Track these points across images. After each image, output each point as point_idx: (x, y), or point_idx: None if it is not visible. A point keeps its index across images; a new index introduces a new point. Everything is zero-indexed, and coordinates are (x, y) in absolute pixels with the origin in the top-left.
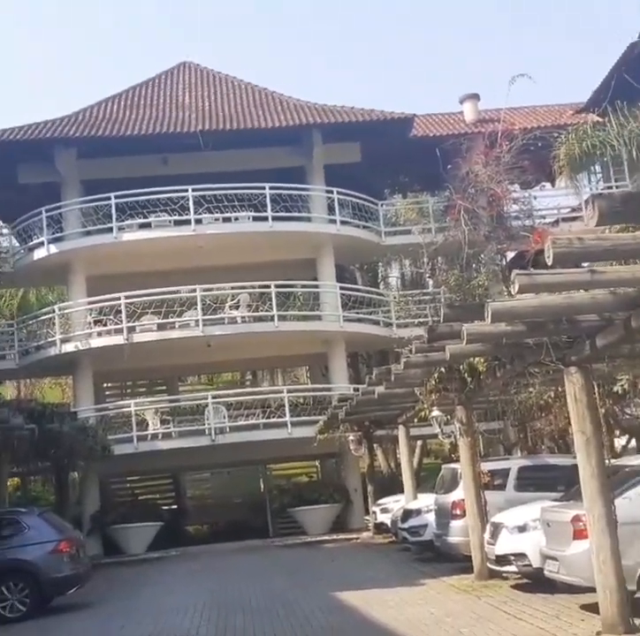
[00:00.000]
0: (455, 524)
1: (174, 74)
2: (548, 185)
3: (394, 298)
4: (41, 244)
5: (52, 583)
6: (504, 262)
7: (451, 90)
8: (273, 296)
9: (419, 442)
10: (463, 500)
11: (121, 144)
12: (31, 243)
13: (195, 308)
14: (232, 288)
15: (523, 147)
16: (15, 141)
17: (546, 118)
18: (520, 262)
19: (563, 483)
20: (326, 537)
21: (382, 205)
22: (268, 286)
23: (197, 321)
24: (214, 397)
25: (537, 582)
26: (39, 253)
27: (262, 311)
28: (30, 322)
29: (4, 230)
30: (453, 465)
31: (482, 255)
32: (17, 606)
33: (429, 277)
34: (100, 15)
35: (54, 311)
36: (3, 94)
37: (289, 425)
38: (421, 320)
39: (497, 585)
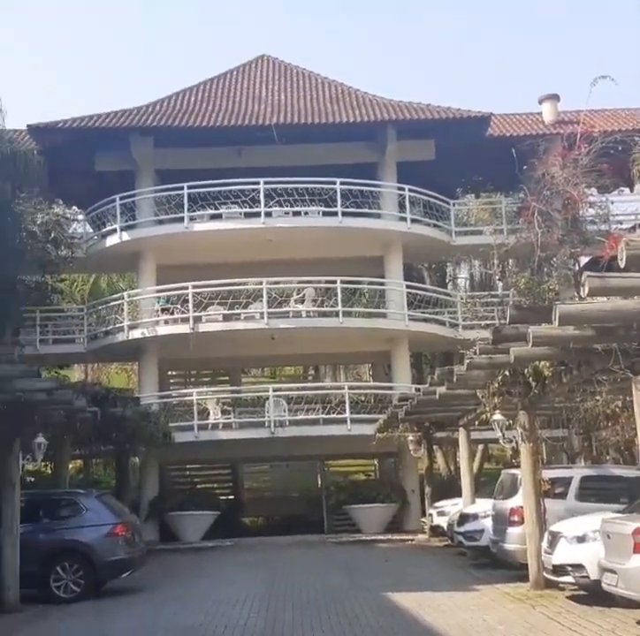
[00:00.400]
0: (513, 531)
1: (252, 67)
2: (626, 189)
3: (461, 298)
4: (114, 231)
5: (107, 566)
6: (577, 267)
7: (530, 91)
8: (339, 291)
9: (480, 447)
10: (522, 507)
11: (196, 135)
12: (104, 230)
13: (261, 301)
14: (299, 282)
15: (602, 150)
16: (93, 129)
17: (628, 122)
18: (594, 268)
19: (626, 495)
20: (381, 537)
21: (454, 204)
22: (334, 281)
23: (262, 313)
24: (275, 390)
25: (593, 594)
26: (111, 240)
27: (327, 306)
28: (99, 308)
29: (79, 217)
30: (513, 471)
31: (554, 259)
32: (71, 587)
33: (498, 279)
34: (183, 9)
35: (123, 297)
36: (84, 83)
37: (349, 421)
38: (488, 322)
39: (552, 595)
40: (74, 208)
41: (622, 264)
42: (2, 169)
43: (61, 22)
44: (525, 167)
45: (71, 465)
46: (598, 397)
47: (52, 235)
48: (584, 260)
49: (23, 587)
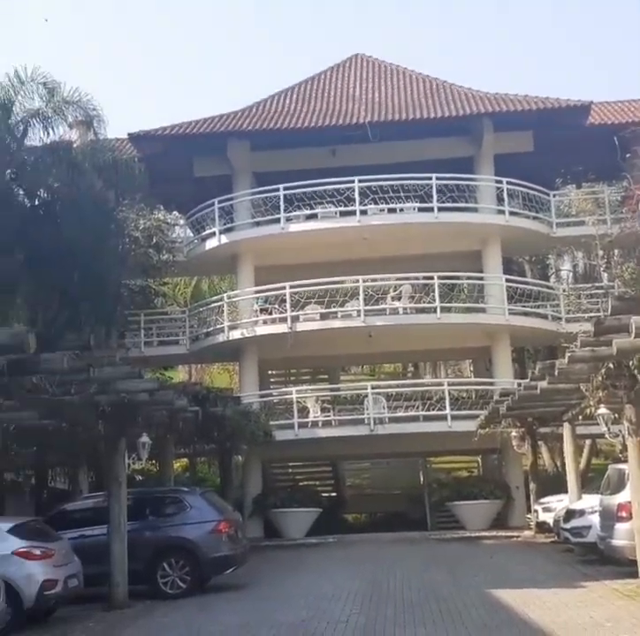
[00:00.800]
0: (620, 526)
1: (346, 67)
2: None
3: (564, 291)
4: (213, 234)
5: (211, 562)
6: None
7: (632, 77)
8: (436, 287)
9: (587, 442)
10: (629, 502)
11: (291, 136)
12: (203, 233)
13: (357, 299)
14: (396, 279)
15: None
16: (191, 135)
17: None
18: None
19: None
20: (485, 533)
21: (554, 195)
22: (431, 277)
23: (359, 311)
24: (373, 388)
25: None
26: (210, 243)
27: (424, 302)
28: (201, 310)
29: (180, 221)
30: (620, 466)
31: None
32: (177, 583)
33: (603, 270)
34: (278, 11)
35: (223, 299)
36: (182, 90)
37: (449, 418)
38: (592, 314)
39: None
40: (175, 213)
41: None
42: (105, 177)
43: (167, 27)
44: (628, 155)
45: (177, 464)
46: None
47: (154, 240)
48: None
49: (131, 584)
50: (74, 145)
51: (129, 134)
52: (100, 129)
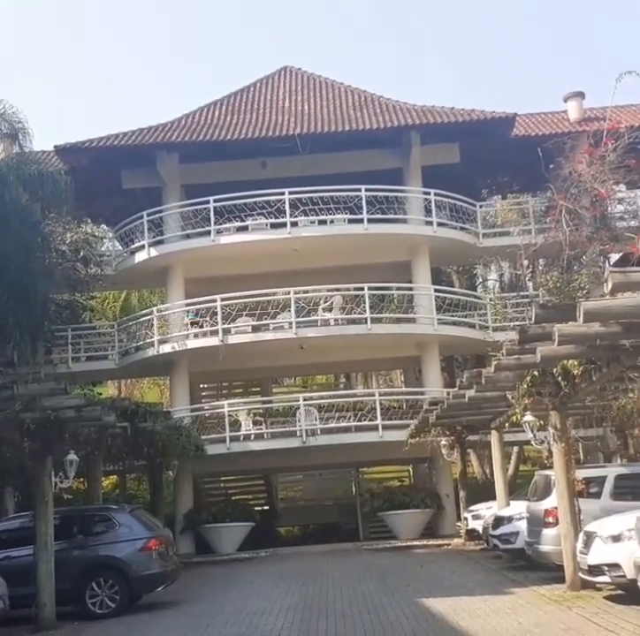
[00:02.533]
0: (547, 532)
1: (275, 79)
2: None
3: (491, 300)
4: (142, 247)
5: (141, 580)
6: (607, 264)
7: (555, 90)
8: (366, 298)
9: (515, 449)
10: (556, 508)
11: (221, 148)
12: (132, 246)
13: (289, 310)
14: (327, 290)
15: (630, 145)
16: (119, 147)
17: None
18: (624, 265)
19: None
20: (417, 542)
21: (480, 206)
22: (362, 288)
23: (291, 323)
24: (306, 400)
25: (631, 594)
26: (140, 257)
27: (355, 313)
28: (130, 324)
29: (108, 235)
30: (546, 472)
31: (584, 257)
32: (106, 602)
33: (528, 280)
34: (201, 22)
35: (152, 313)
36: (110, 103)
37: (380, 428)
38: (518, 323)
39: (589, 596)
40: (103, 226)
41: None
42: (31, 190)
43: (83, 42)
44: (551, 166)
45: (106, 481)
46: (630, 394)
47: (81, 253)
48: (615, 257)
49: (59, 604)
50: None
51: (55, 147)
52: (25, 142)
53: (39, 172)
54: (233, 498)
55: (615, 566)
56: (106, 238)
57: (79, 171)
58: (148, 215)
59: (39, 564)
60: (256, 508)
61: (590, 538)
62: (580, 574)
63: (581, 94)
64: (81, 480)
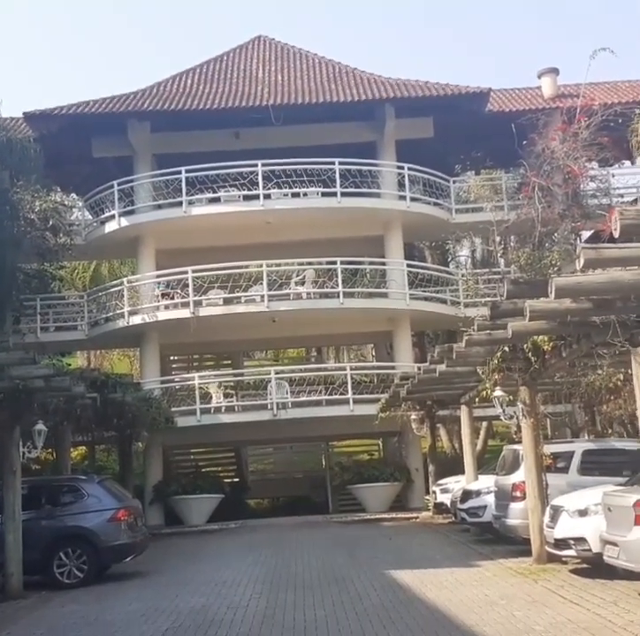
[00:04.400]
0: (515, 506)
1: (248, 48)
2: (628, 162)
3: (463, 276)
4: (113, 217)
5: (110, 551)
6: (578, 242)
7: (529, 65)
8: (339, 272)
9: (484, 424)
10: (524, 482)
11: (193, 118)
12: (103, 216)
13: (261, 283)
14: (299, 264)
15: (603, 123)
16: (90, 114)
17: (628, 94)
18: (595, 242)
19: (629, 468)
20: (385, 515)
21: (453, 181)
22: (334, 262)
23: (262, 296)
24: (277, 373)
25: (596, 567)
26: (110, 227)
27: (327, 287)
28: (100, 294)
29: (78, 204)
30: (514, 447)
31: (555, 234)
32: (74, 572)
33: (500, 256)
34: None
35: (123, 283)
36: (78, 68)
37: (351, 402)
38: (489, 299)
39: (555, 569)
40: (73, 195)
41: (617, 234)
42: None
43: (56, 4)
44: (525, 142)
45: (75, 452)
46: (599, 371)
47: (51, 222)
48: (586, 234)
49: (26, 574)
50: None
51: (24, 113)
52: None
53: (7, 139)
54: (203, 470)
55: (581, 540)
56: (76, 207)
57: (48, 139)
58: (119, 184)
59: (6, 533)
60: (226, 480)
61: (556, 512)
62: (546, 548)
63: (555, 71)
64: (50, 450)
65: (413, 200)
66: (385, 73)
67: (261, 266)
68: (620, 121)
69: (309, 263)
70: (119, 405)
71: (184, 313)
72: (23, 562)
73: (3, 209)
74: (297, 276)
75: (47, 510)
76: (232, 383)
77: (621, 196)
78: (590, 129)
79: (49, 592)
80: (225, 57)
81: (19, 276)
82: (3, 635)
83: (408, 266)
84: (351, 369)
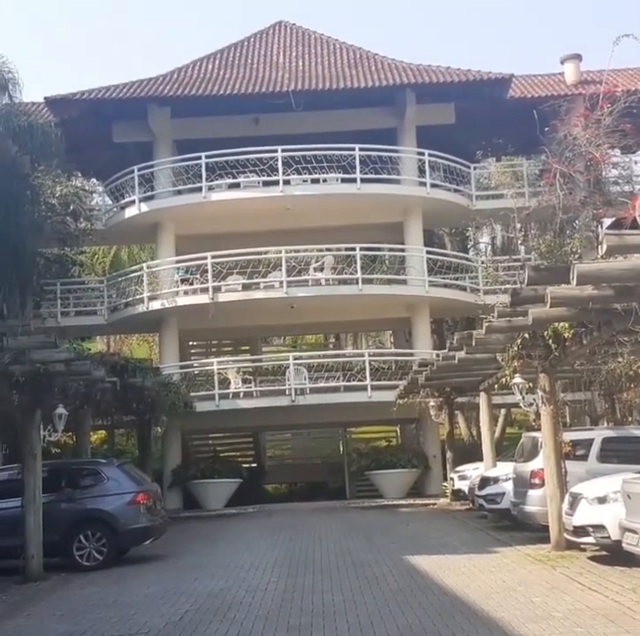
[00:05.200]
0: (533, 493)
1: (269, 34)
2: None
3: (482, 263)
4: (133, 202)
5: (129, 534)
6: (600, 229)
7: (552, 51)
8: (358, 259)
9: (502, 411)
10: (542, 469)
11: (214, 103)
12: (123, 201)
13: (280, 270)
14: (318, 250)
15: (626, 109)
16: (110, 100)
17: None
18: (618, 230)
19: None
20: (403, 502)
21: (474, 168)
22: (353, 249)
23: (281, 282)
24: (295, 359)
25: (614, 555)
26: (130, 212)
27: (346, 274)
28: (120, 280)
29: (98, 189)
30: (533, 434)
31: (576, 221)
32: (94, 555)
33: (520, 243)
34: None
35: (142, 269)
36: (99, 53)
37: (369, 388)
38: (509, 286)
39: (573, 556)
40: (93, 180)
41: None
42: (20, 142)
43: None
44: (547, 129)
45: (94, 436)
46: (620, 359)
47: (71, 207)
48: (607, 221)
49: (46, 556)
50: None
51: (46, 98)
52: (15, 92)
53: (29, 124)
54: (221, 455)
55: (600, 527)
56: (96, 192)
57: (69, 124)
58: (139, 169)
59: (27, 516)
60: (244, 465)
61: (575, 499)
62: (565, 535)
63: (578, 57)
64: (70, 434)
65: (433, 186)
66: (407, 59)
67: (280, 252)
68: None
69: (328, 249)
70: (139, 389)
71: (203, 298)
72: (43, 544)
73: (24, 194)
74: (316, 262)
75: (67, 493)
76: (250, 369)
77: None
78: (612, 115)
79: (69, 574)
80: (246, 43)
81: (40, 261)
82: (23, 616)
83: (428, 252)
84: (369, 356)
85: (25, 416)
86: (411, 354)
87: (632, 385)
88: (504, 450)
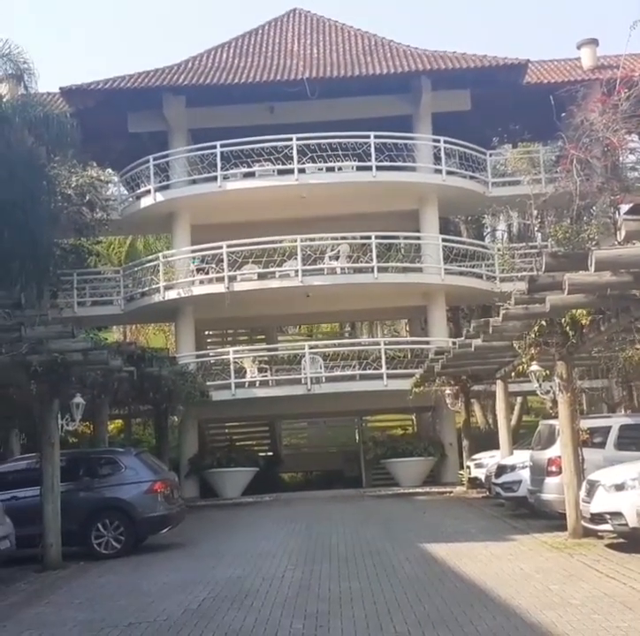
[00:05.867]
0: (550, 481)
1: (284, 22)
2: None
3: (499, 251)
4: (148, 192)
5: (146, 522)
6: (617, 215)
7: (569, 36)
8: (373, 247)
9: (519, 399)
10: (559, 457)
11: (228, 92)
12: (138, 191)
13: (295, 258)
14: (333, 238)
15: None
16: (125, 89)
17: None
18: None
19: None
20: (419, 490)
21: (490, 155)
22: (369, 237)
23: (297, 271)
24: (311, 348)
25: (632, 542)
26: (146, 202)
27: (362, 262)
28: (135, 269)
29: (114, 179)
30: (551, 422)
31: (594, 208)
32: (112, 543)
33: (537, 230)
34: None
35: (158, 258)
36: (115, 44)
37: (385, 377)
38: (525, 274)
39: (591, 543)
40: (108, 170)
41: None
42: (36, 132)
43: None
44: (563, 114)
45: (111, 425)
46: (637, 346)
47: (87, 198)
48: (625, 207)
49: (65, 545)
50: (4, 99)
51: (61, 88)
52: (31, 83)
53: (44, 114)
54: (238, 444)
55: (618, 515)
56: (112, 182)
57: (84, 114)
58: (155, 159)
59: (45, 504)
60: (260, 454)
61: (593, 487)
62: (582, 522)
63: (594, 42)
64: (87, 423)
65: (449, 173)
66: (422, 46)
67: (295, 241)
68: None
69: (344, 238)
70: (155, 378)
71: (219, 288)
72: (62, 533)
73: (40, 185)
74: (331, 250)
75: (85, 481)
76: (266, 358)
77: None
78: (630, 101)
79: (87, 562)
80: (260, 31)
81: (56, 251)
82: (43, 604)
83: (443, 240)
84: (385, 344)
85: (43, 406)
86: (427, 342)
87: None
88: (520, 437)
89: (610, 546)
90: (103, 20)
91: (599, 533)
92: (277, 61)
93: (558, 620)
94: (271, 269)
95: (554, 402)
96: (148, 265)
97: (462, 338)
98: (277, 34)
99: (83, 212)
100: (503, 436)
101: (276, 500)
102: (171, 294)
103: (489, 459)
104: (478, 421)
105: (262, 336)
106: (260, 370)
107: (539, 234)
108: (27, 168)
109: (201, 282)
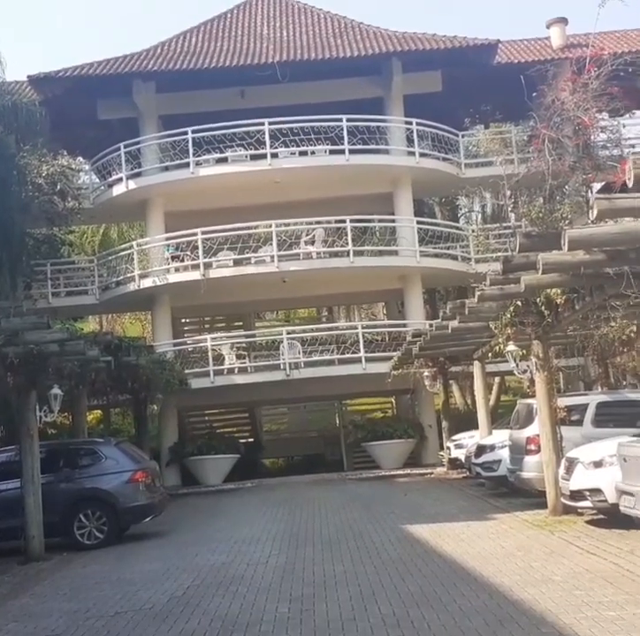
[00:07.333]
0: (530, 459)
1: (253, 5)
2: (638, 112)
3: (473, 232)
4: (120, 180)
5: (128, 512)
6: (589, 194)
7: (538, 16)
8: (349, 231)
9: (497, 379)
10: (538, 435)
11: (198, 77)
12: (110, 179)
13: (271, 244)
14: (308, 223)
15: (613, 73)
16: (94, 76)
17: (638, 43)
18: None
19: None
20: (400, 472)
21: (462, 136)
22: (343, 221)
23: (272, 256)
24: (289, 333)
25: (612, 518)
26: (118, 190)
27: (337, 246)
28: (110, 258)
29: (85, 167)
30: (528, 401)
31: (566, 187)
32: (95, 533)
33: (510, 211)
34: None
35: (132, 247)
36: (83, 29)
37: (363, 360)
38: (500, 254)
39: (571, 520)
40: (79, 158)
41: (630, 184)
42: (5, 122)
43: None
44: (534, 94)
45: (90, 416)
46: (612, 323)
47: (58, 187)
48: (597, 186)
49: (47, 537)
50: None
51: (29, 76)
52: None
53: (13, 103)
54: (218, 431)
55: (597, 491)
56: (83, 170)
57: (53, 102)
58: (126, 146)
59: (26, 497)
60: (241, 440)
61: (571, 464)
62: (562, 500)
63: (564, 20)
64: (66, 414)
65: (422, 155)
66: (392, 27)
67: (270, 226)
68: (630, 70)
69: (319, 222)
70: (133, 368)
71: (194, 275)
72: (44, 524)
73: (10, 174)
74: (307, 235)
75: (65, 473)
76: (244, 344)
77: (633, 147)
78: (600, 79)
79: (71, 553)
80: (229, 15)
81: (29, 241)
82: (27, 596)
83: (418, 223)
84: (362, 328)
85: (20, 397)
86: (404, 325)
87: (625, 349)
88: (499, 417)
89: (590, 522)
90: (72, 7)
91: (579, 510)
92: (247, 45)
93: (540, 597)
94: (247, 255)
95: (531, 381)
96: (122, 254)
97: (439, 320)
98: (246, 17)
99: (55, 201)
100: (482, 417)
101: (258, 486)
102: (147, 282)
103: (468, 440)
104: (457, 402)
105: (240, 323)
106: (238, 357)
107: (513, 214)
108: None
109: (177, 269)
